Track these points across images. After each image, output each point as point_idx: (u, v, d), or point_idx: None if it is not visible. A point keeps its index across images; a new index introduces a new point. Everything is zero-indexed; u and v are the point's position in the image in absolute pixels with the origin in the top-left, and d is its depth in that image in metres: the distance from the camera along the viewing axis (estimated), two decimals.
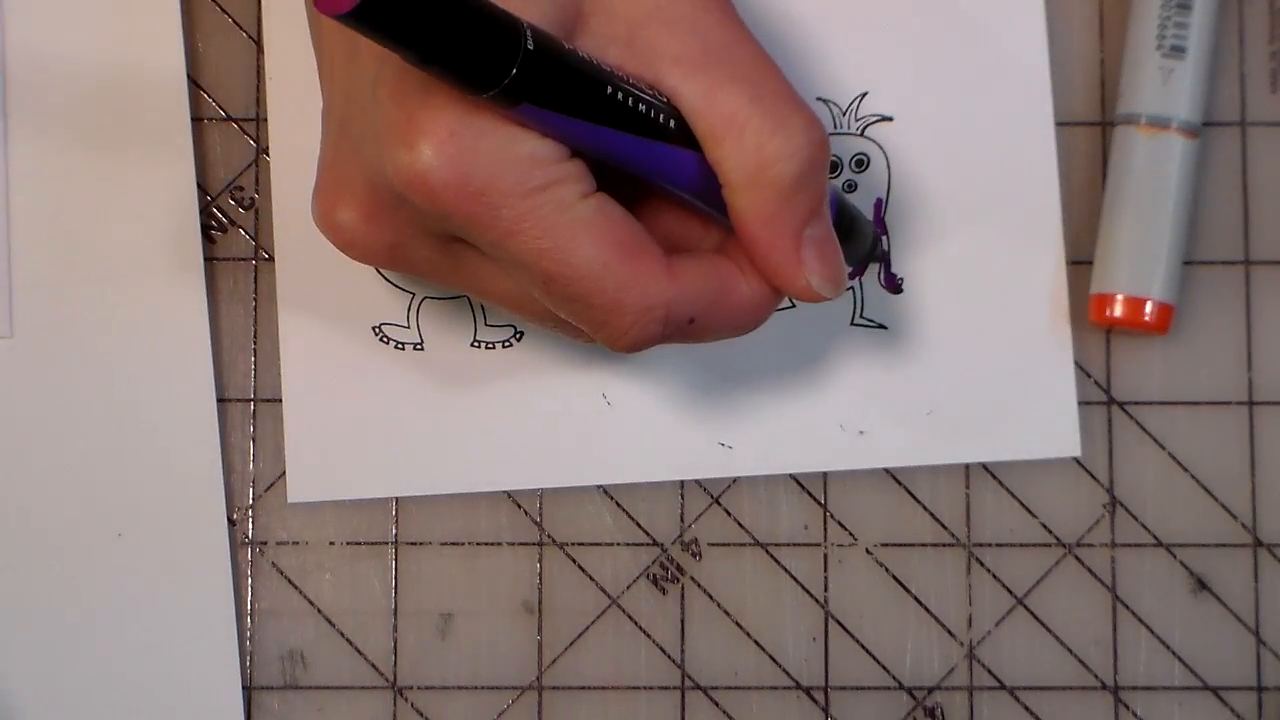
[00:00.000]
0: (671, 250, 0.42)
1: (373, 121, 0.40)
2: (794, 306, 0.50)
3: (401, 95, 0.39)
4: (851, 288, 0.50)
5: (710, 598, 0.50)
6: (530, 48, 0.37)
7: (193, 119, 0.50)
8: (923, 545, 0.50)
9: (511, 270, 0.41)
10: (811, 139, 0.41)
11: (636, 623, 0.50)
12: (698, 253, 0.43)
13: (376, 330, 0.50)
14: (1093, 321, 0.50)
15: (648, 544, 0.50)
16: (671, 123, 0.41)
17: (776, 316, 0.50)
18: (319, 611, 0.50)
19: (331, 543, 0.50)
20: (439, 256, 0.43)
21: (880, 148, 0.50)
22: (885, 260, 0.50)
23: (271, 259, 0.50)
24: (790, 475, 0.50)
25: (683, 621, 0.50)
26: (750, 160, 0.40)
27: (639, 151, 0.41)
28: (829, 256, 0.43)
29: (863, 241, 0.48)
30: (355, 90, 0.41)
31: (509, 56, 0.37)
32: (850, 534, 0.50)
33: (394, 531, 0.50)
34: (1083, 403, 0.50)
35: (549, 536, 0.50)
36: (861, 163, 0.50)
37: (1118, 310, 0.49)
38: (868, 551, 0.50)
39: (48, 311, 0.50)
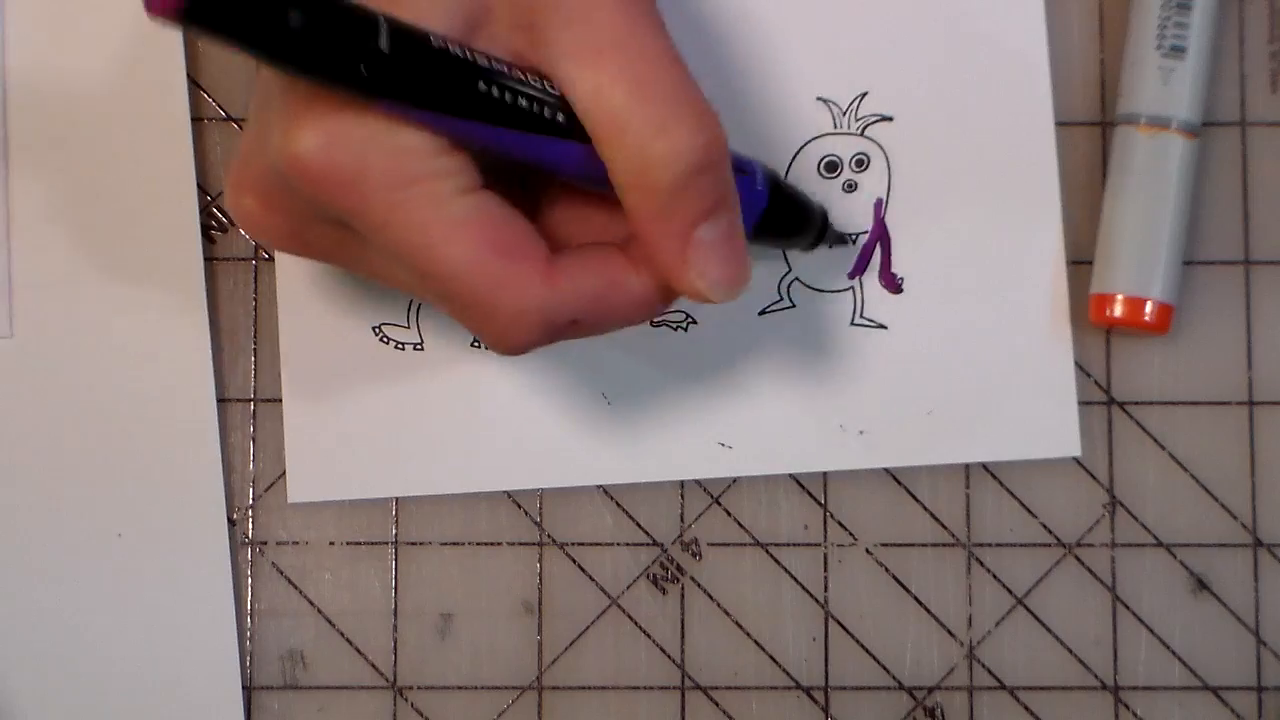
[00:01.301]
0: (574, 240, 0.42)
1: (272, 109, 0.40)
2: (794, 306, 0.50)
3: (292, 84, 0.39)
4: (851, 288, 0.50)
5: (710, 598, 0.50)
6: (384, 46, 0.37)
7: (193, 119, 0.50)
8: (923, 545, 0.50)
9: (393, 263, 0.41)
10: (697, 142, 0.40)
11: (636, 623, 0.50)
12: (586, 249, 0.42)
13: (376, 330, 0.50)
14: (1093, 321, 0.50)
15: (648, 544, 0.50)
16: (560, 116, 0.40)
17: (777, 317, 0.50)
18: (319, 611, 0.50)
19: (331, 543, 0.50)
20: (334, 243, 0.42)
21: (880, 148, 0.50)
22: (842, 241, 0.50)
23: (271, 259, 0.50)
24: (790, 475, 0.50)
25: (683, 621, 0.50)
26: (632, 162, 0.39)
27: (522, 145, 0.40)
28: (724, 258, 0.41)
29: (810, 228, 0.47)
30: (269, 79, 0.41)
31: (360, 53, 0.37)
32: (850, 534, 0.50)
33: (394, 531, 0.50)
34: (1083, 403, 0.50)
35: (549, 536, 0.50)
36: (861, 163, 0.50)
37: (1118, 310, 0.49)
38: (868, 551, 0.50)
39: (48, 311, 0.50)
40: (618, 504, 0.50)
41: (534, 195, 0.42)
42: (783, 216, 0.46)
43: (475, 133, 0.39)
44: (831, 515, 0.50)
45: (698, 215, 0.41)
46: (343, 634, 0.50)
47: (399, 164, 0.39)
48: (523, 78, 0.40)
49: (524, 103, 0.40)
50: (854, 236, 0.50)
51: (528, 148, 0.40)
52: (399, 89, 0.38)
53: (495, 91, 0.39)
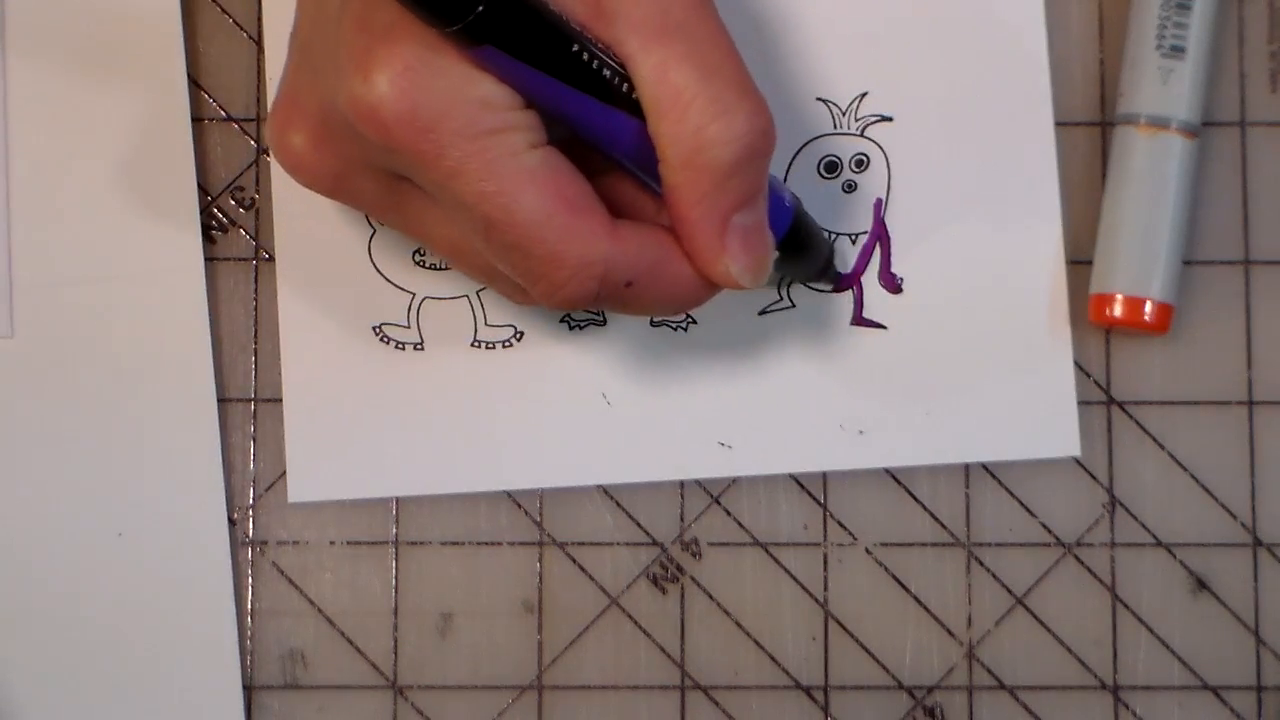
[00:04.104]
0: (619, 217, 0.42)
1: (334, 48, 0.40)
2: (794, 306, 0.50)
3: (365, 25, 0.39)
4: (851, 288, 0.50)
5: (710, 598, 0.50)
6: None
7: (193, 119, 0.50)
8: (922, 545, 0.50)
9: (454, 215, 0.41)
10: (754, 127, 0.41)
11: (636, 623, 0.50)
12: (643, 223, 0.43)
13: (376, 330, 0.50)
14: (1092, 321, 0.50)
15: (648, 544, 0.50)
16: (625, 87, 0.41)
17: (777, 317, 0.50)
18: (319, 611, 0.50)
19: (331, 543, 0.50)
20: (384, 193, 0.43)
21: (880, 148, 0.50)
22: (839, 281, 0.50)
23: (271, 259, 0.50)
24: (790, 475, 0.50)
25: (683, 621, 0.50)
26: (689, 140, 0.40)
27: (592, 112, 0.41)
28: (754, 246, 0.42)
29: (816, 257, 0.48)
30: (323, 15, 0.41)
31: None
32: (850, 534, 0.50)
33: (394, 531, 0.50)
34: (1083, 403, 0.50)
35: (549, 536, 0.50)
36: (861, 163, 0.50)
37: (1118, 310, 0.49)
38: (867, 551, 0.50)
39: (48, 311, 0.50)
40: (618, 504, 0.50)
41: (587, 171, 0.42)
42: (800, 239, 0.46)
43: (553, 92, 0.40)
44: (831, 515, 0.50)
45: (741, 200, 0.42)
46: (343, 634, 0.50)
47: (478, 115, 0.39)
48: (597, 45, 0.40)
49: (606, 71, 0.40)
50: (850, 237, 0.50)
51: (591, 114, 0.41)
52: (502, 37, 0.38)
53: (583, 55, 0.40)
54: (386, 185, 0.42)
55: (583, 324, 0.50)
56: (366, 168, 0.42)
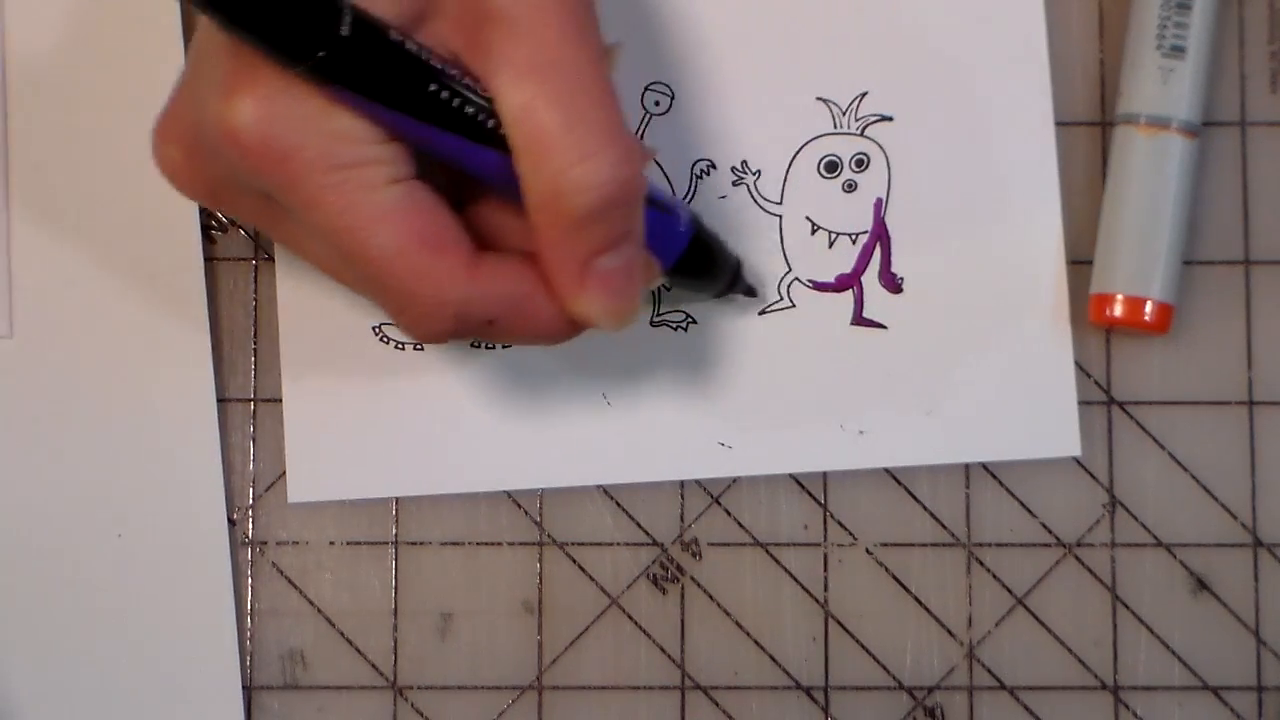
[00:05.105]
0: (499, 245, 0.42)
1: (212, 68, 0.40)
2: (794, 306, 0.50)
3: (236, 48, 0.39)
4: (854, 289, 0.50)
5: (710, 598, 0.50)
6: (346, 32, 0.37)
7: None
8: (923, 545, 0.50)
9: (318, 238, 0.41)
10: (617, 175, 0.40)
11: (636, 623, 0.50)
12: (512, 255, 0.42)
13: (376, 330, 0.50)
14: (1093, 321, 0.50)
15: (648, 544, 0.50)
16: (490, 123, 0.40)
17: (777, 317, 0.50)
18: (319, 611, 0.50)
19: (331, 543, 0.50)
20: (258, 209, 0.42)
21: (880, 148, 0.50)
22: (753, 294, 0.50)
23: (271, 259, 0.50)
24: (790, 475, 0.50)
25: (683, 621, 0.50)
26: (548, 183, 0.39)
27: (454, 148, 0.40)
28: (617, 289, 0.42)
29: (719, 276, 0.48)
30: (210, 34, 0.41)
31: (320, 38, 0.37)
32: (850, 534, 0.50)
33: (394, 531, 0.50)
34: (1083, 403, 0.50)
35: (549, 536, 0.50)
36: (861, 163, 0.50)
37: (1118, 310, 0.49)
38: (868, 551, 0.50)
39: (48, 311, 0.50)
40: (618, 504, 0.50)
41: (459, 192, 0.42)
42: (698, 260, 0.46)
43: (414, 129, 0.40)
44: (831, 515, 0.50)
45: (602, 245, 0.41)
46: (343, 634, 0.50)
47: (334, 148, 0.39)
48: (463, 80, 0.40)
49: (467, 109, 0.40)
50: (850, 237, 0.50)
51: (458, 150, 0.40)
52: (352, 78, 0.38)
53: (443, 94, 0.39)
54: (259, 203, 0.42)
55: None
56: (237, 185, 0.42)
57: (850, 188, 0.50)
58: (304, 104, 0.39)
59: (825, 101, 0.50)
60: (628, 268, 0.42)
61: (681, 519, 0.50)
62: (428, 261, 0.40)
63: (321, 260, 0.43)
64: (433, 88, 0.39)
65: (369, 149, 0.39)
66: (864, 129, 0.50)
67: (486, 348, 0.50)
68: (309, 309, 0.50)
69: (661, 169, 0.50)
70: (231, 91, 0.39)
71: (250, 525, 0.50)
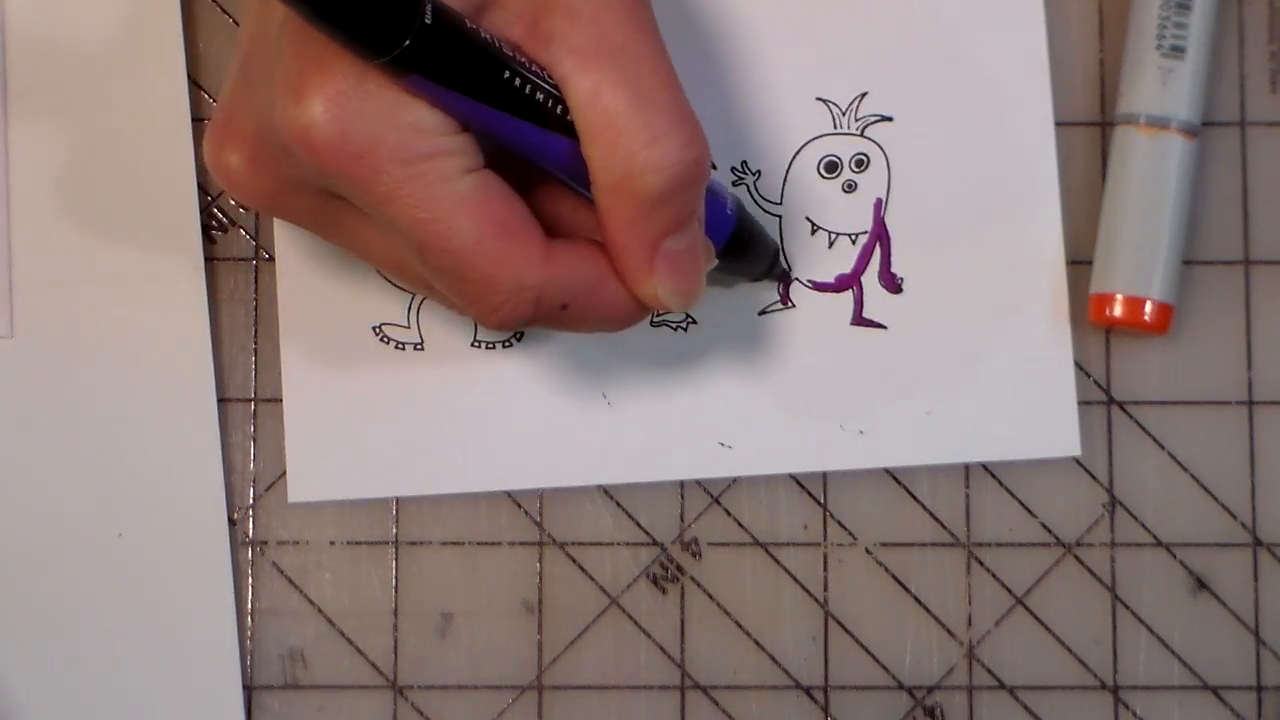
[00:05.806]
0: (562, 234, 0.42)
1: (271, 68, 0.40)
2: (794, 306, 0.50)
3: (301, 47, 0.39)
4: (852, 288, 0.50)
5: (710, 597, 0.50)
6: (428, 21, 0.37)
7: (193, 119, 0.50)
8: (922, 545, 0.50)
9: (390, 234, 0.41)
10: (686, 156, 0.40)
11: (636, 622, 0.50)
12: (581, 240, 0.43)
13: (376, 330, 0.50)
14: (1092, 321, 0.50)
15: (648, 544, 0.50)
16: (559, 109, 0.40)
17: (777, 317, 0.50)
18: (319, 611, 0.50)
19: (331, 543, 0.50)
20: (321, 211, 0.42)
21: (880, 148, 0.50)
22: (785, 278, 0.50)
23: (271, 259, 0.50)
24: (790, 475, 0.50)
25: (683, 621, 0.50)
26: (619, 166, 0.40)
27: (526, 135, 0.40)
28: (684, 270, 0.42)
29: (761, 259, 0.48)
30: (263, 33, 0.41)
31: (405, 27, 0.37)
32: (850, 534, 0.50)
33: (394, 531, 0.50)
34: (1083, 403, 0.50)
35: (549, 536, 0.50)
36: (861, 163, 0.50)
37: (1117, 310, 0.49)
38: (867, 551, 0.50)
39: (48, 311, 0.50)
40: (618, 504, 0.50)
41: (526, 182, 0.42)
42: (743, 242, 0.47)
43: (488, 118, 0.40)
44: (831, 515, 0.50)
45: (671, 227, 0.42)
46: (343, 634, 0.50)
47: (411, 140, 0.39)
48: (530, 68, 0.40)
49: (538, 95, 0.40)
50: (850, 237, 0.50)
51: (528, 138, 0.40)
52: (433, 67, 0.38)
53: (516, 82, 0.40)
54: (323, 204, 0.42)
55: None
56: (302, 187, 0.42)
57: (850, 188, 0.50)
58: (378, 98, 0.39)
59: (825, 102, 0.50)
60: (692, 249, 0.43)
61: (681, 519, 0.50)
62: (507, 248, 0.40)
63: (387, 258, 0.43)
64: (506, 75, 0.39)
65: (443, 140, 0.39)
66: (864, 129, 0.50)
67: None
68: (309, 309, 0.50)
69: None
70: (300, 92, 0.39)
71: (250, 525, 0.50)
